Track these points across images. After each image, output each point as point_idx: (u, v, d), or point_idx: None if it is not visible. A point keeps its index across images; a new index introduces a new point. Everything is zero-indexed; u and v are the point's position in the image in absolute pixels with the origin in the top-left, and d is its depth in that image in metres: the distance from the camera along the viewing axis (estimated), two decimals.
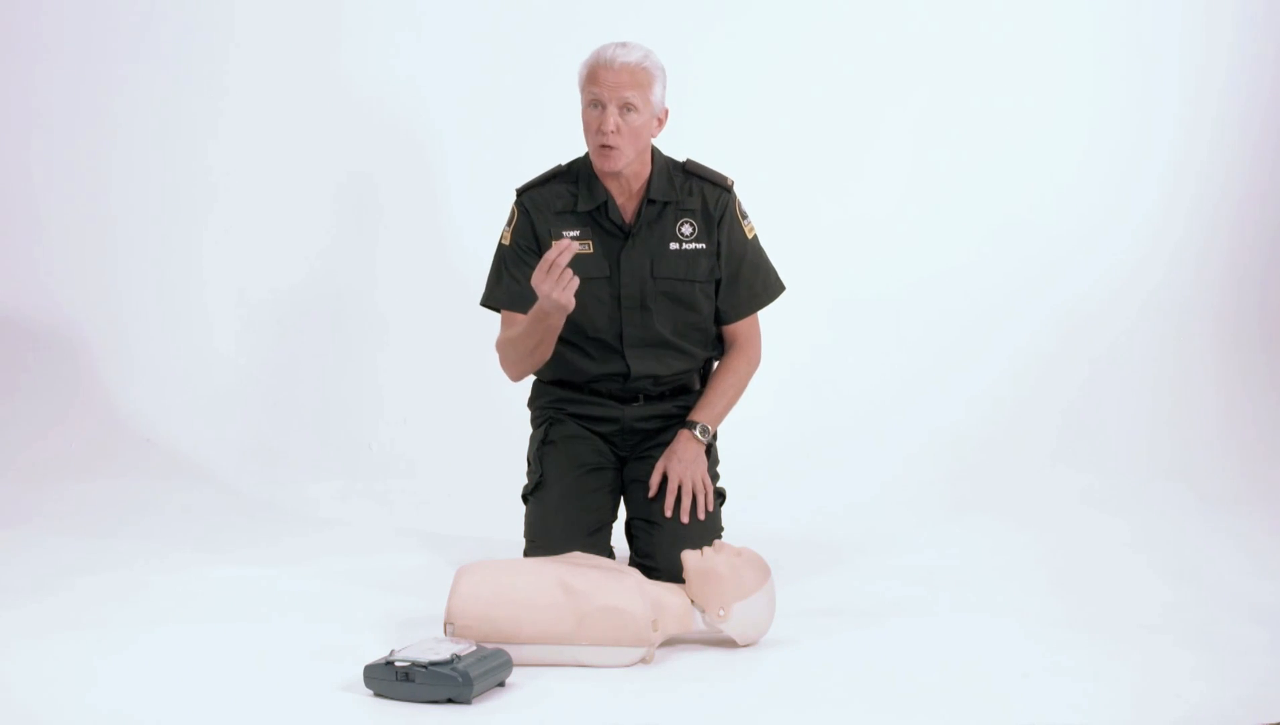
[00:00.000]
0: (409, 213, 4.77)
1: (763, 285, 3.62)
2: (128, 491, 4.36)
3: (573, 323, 3.52)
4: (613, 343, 3.55)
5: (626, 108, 3.40)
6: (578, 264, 3.50)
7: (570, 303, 3.26)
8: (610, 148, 3.41)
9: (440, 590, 3.19)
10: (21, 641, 3.06)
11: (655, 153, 3.55)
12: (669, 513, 3.44)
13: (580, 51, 3.51)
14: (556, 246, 3.21)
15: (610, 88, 3.39)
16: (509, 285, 3.54)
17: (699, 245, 3.55)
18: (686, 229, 3.55)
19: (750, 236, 3.61)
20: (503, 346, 3.52)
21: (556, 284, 3.21)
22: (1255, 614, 3.27)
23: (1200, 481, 4.45)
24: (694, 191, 3.56)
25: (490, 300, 3.59)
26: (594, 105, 3.42)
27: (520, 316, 3.47)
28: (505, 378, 3.57)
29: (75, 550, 3.80)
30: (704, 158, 3.63)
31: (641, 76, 3.42)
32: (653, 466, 3.54)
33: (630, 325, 3.54)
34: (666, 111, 3.51)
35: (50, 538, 3.93)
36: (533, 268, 3.48)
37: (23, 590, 3.44)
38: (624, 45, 3.44)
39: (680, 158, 3.60)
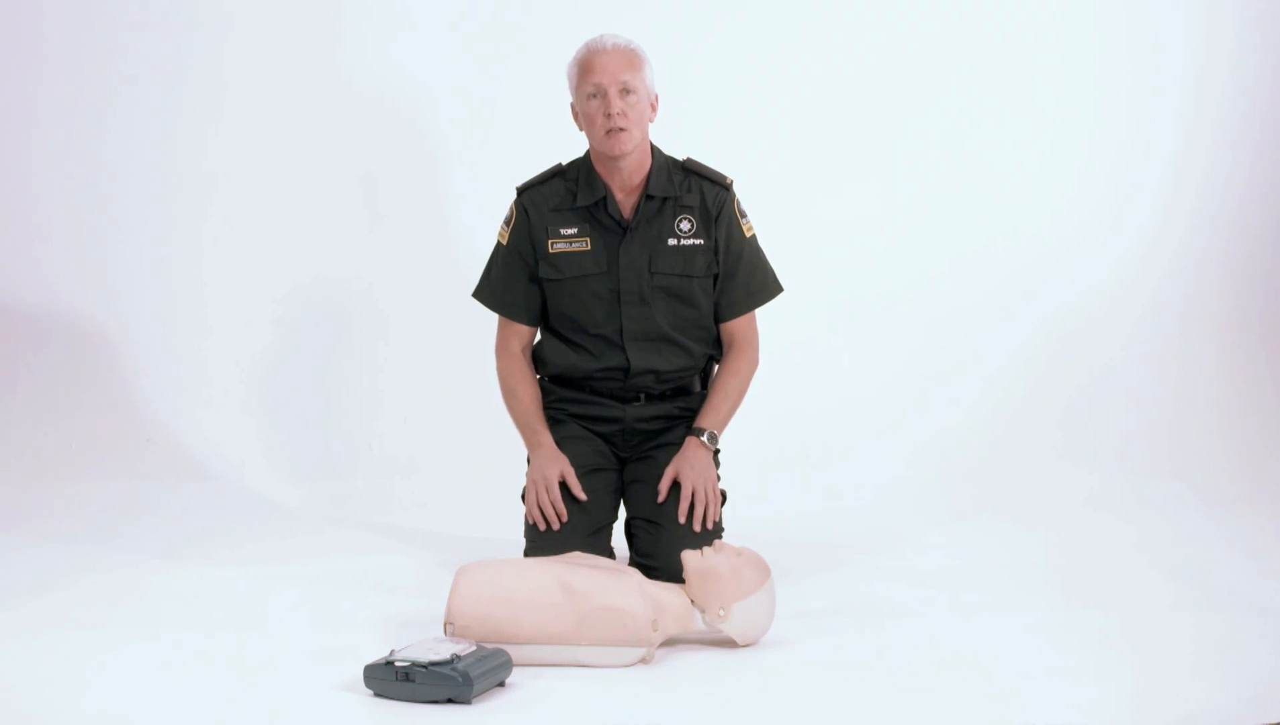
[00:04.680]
0: (409, 211, 4.77)
1: (760, 284, 3.62)
2: (128, 491, 4.37)
3: (571, 319, 3.56)
4: (613, 337, 3.56)
5: (625, 90, 3.43)
6: (575, 261, 3.52)
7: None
8: (619, 130, 3.43)
9: (440, 590, 3.19)
10: (21, 641, 3.06)
11: (655, 150, 3.56)
12: (681, 519, 3.44)
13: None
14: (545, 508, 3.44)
15: (608, 72, 3.43)
16: (495, 285, 3.61)
17: (697, 241, 3.55)
18: (685, 225, 3.55)
19: (749, 235, 3.61)
20: (500, 379, 3.63)
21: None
22: (1256, 614, 3.27)
23: (1200, 481, 4.45)
24: (693, 189, 3.56)
25: (478, 294, 3.65)
26: (593, 96, 3.44)
27: (515, 326, 3.60)
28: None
29: (75, 550, 3.80)
30: (704, 157, 3.63)
31: (634, 58, 3.47)
32: (653, 467, 3.54)
33: (629, 319, 3.54)
34: (657, 97, 3.53)
35: (50, 538, 3.94)
36: (521, 270, 3.54)
37: (23, 590, 3.44)
38: (610, 34, 3.50)
39: (680, 157, 3.60)
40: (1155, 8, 4.87)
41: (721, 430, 3.57)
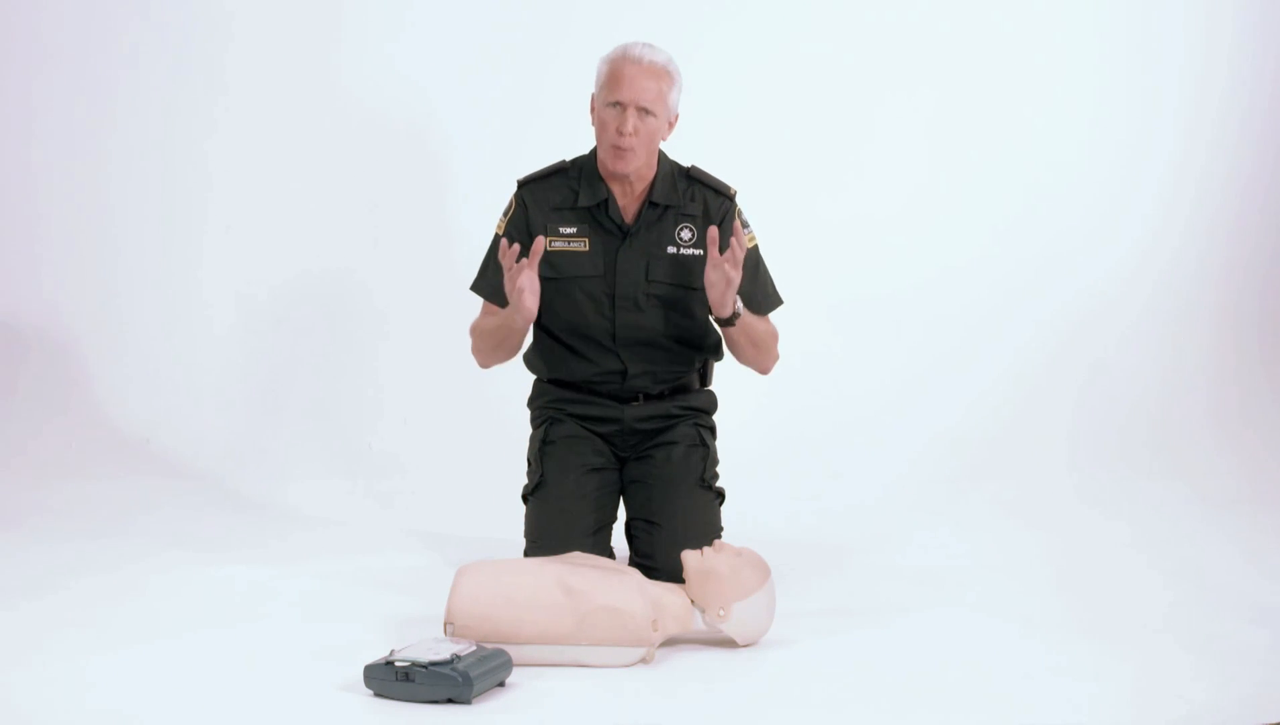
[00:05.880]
0: (408, 211, 4.77)
1: (763, 295, 3.60)
2: (128, 491, 4.36)
3: (566, 321, 3.55)
4: (605, 342, 3.55)
5: (645, 112, 3.42)
6: (572, 261, 3.51)
7: (530, 312, 3.34)
8: (624, 150, 3.42)
9: (440, 590, 3.19)
10: (19, 642, 3.05)
11: (661, 156, 3.55)
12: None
13: (580, 46, 3.54)
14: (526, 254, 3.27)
15: (634, 90, 3.41)
16: (492, 276, 3.58)
17: (697, 251, 3.54)
18: (686, 234, 3.55)
19: (751, 245, 3.60)
20: (474, 333, 3.58)
21: (515, 282, 3.28)
22: (1256, 614, 3.27)
23: (1200, 481, 4.45)
24: (696, 197, 3.56)
25: (475, 287, 3.63)
26: (613, 106, 3.43)
27: (497, 309, 3.52)
28: (503, 372, 3.60)
29: (74, 550, 3.80)
30: (705, 159, 3.62)
31: (664, 80, 3.44)
32: (652, 467, 3.54)
33: (623, 326, 3.54)
34: (677, 116, 3.52)
35: (50, 538, 3.93)
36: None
37: (21, 590, 3.44)
38: (650, 46, 3.47)
39: (684, 161, 3.59)
40: (1155, 8, 4.88)
41: (740, 315, 3.46)
